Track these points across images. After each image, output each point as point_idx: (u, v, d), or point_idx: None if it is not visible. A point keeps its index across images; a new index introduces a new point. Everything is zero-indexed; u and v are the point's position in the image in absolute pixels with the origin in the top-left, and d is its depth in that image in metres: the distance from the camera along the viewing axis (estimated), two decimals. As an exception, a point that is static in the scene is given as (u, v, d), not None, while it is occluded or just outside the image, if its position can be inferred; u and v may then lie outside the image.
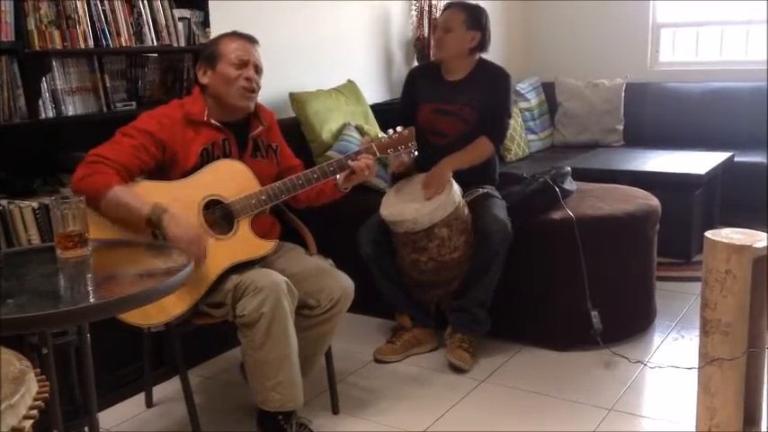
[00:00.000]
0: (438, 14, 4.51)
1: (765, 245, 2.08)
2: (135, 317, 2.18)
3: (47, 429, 1.73)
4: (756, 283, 2.11)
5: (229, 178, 2.41)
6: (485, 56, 3.24)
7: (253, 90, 2.47)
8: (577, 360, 3.02)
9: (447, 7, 3.28)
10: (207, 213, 2.38)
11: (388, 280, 3.10)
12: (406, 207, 2.92)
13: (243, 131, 2.53)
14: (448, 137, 3.10)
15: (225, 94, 2.45)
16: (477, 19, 3.14)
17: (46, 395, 1.22)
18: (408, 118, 3.18)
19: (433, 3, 4.57)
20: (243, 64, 2.45)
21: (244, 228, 2.41)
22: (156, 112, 2.45)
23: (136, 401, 2.79)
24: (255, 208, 2.42)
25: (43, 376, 1.30)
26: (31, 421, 1.15)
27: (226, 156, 2.46)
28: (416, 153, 2.70)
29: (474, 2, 3.27)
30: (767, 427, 2.39)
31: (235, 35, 2.51)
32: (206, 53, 2.50)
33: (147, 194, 2.28)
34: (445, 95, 3.14)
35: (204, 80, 2.47)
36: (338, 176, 2.54)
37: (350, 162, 2.51)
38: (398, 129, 2.62)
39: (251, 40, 2.51)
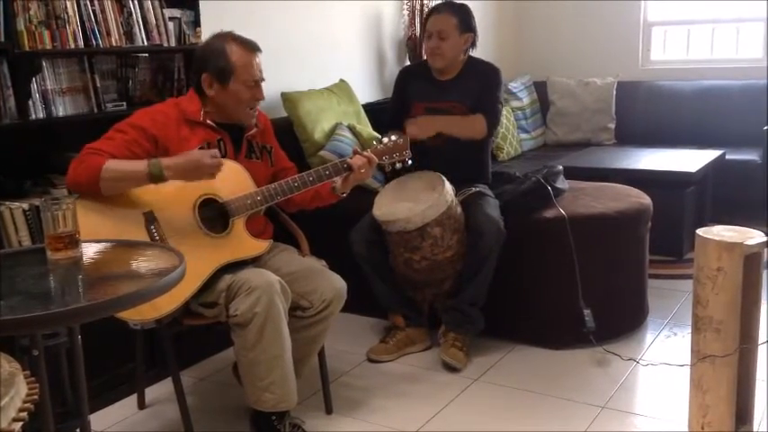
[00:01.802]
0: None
1: (756, 242, 2.09)
2: (126, 312, 2.17)
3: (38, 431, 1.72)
4: (748, 280, 2.11)
5: (225, 178, 2.41)
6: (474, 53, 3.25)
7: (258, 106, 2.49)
8: (570, 358, 3.03)
9: (435, 11, 3.19)
10: (202, 212, 2.37)
11: (381, 280, 3.09)
12: (398, 206, 2.92)
13: (238, 132, 2.53)
14: (440, 136, 3.10)
15: (233, 111, 2.45)
16: (467, 21, 3.13)
17: (36, 397, 1.22)
18: (400, 118, 3.17)
19: (425, 2, 4.57)
20: (255, 84, 2.43)
21: (238, 227, 2.41)
22: (151, 108, 2.45)
23: (128, 403, 2.78)
24: (250, 208, 2.42)
25: (33, 378, 1.29)
26: (21, 423, 1.14)
27: (221, 156, 2.45)
28: (410, 162, 2.70)
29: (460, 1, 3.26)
30: (760, 426, 2.40)
31: (244, 46, 2.42)
32: (217, 65, 2.39)
33: (142, 191, 2.30)
34: (437, 94, 3.15)
35: (210, 93, 2.42)
36: (337, 180, 2.54)
37: (348, 159, 2.51)
38: (393, 137, 2.63)
39: (258, 49, 2.45)
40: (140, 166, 2.24)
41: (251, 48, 2.44)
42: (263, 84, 2.47)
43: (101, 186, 2.23)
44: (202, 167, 2.26)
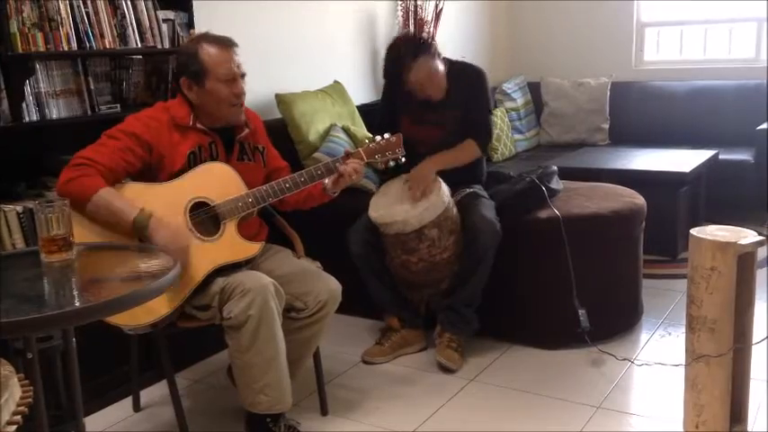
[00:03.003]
0: (422, 13, 4.53)
1: (750, 241, 2.10)
2: (121, 318, 2.17)
3: (32, 434, 1.71)
4: (741, 279, 2.12)
5: (216, 181, 2.41)
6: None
7: (242, 102, 2.47)
8: (565, 358, 3.03)
9: (412, 60, 2.99)
10: (193, 215, 2.37)
11: (377, 281, 3.09)
12: (395, 209, 2.92)
13: (229, 134, 2.52)
14: (429, 144, 3.09)
15: (216, 110, 2.43)
16: (437, 50, 3.07)
17: (30, 400, 1.21)
18: (390, 125, 3.16)
19: (419, 3, 4.58)
20: (232, 79, 2.41)
21: (230, 230, 2.40)
22: (142, 114, 2.43)
23: (123, 405, 2.78)
24: (242, 210, 2.41)
25: (27, 381, 1.29)
26: (15, 426, 1.14)
27: (213, 159, 2.45)
28: (404, 159, 2.70)
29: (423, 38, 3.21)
30: (754, 425, 2.40)
31: (216, 44, 2.40)
32: (191, 68, 2.39)
33: (133, 196, 2.28)
34: (423, 107, 3.11)
35: (191, 95, 2.41)
36: (327, 180, 2.54)
37: (338, 166, 2.51)
38: (386, 135, 2.63)
39: (231, 45, 2.43)
40: (129, 211, 2.20)
41: (223, 44, 2.41)
42: (244, 78, 2.44)
43: (86, 209, 2.21)
44: (177, 256, 2.03)
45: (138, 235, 2.23)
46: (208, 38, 2.42)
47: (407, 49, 3.03)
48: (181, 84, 2.42)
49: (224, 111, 2.43)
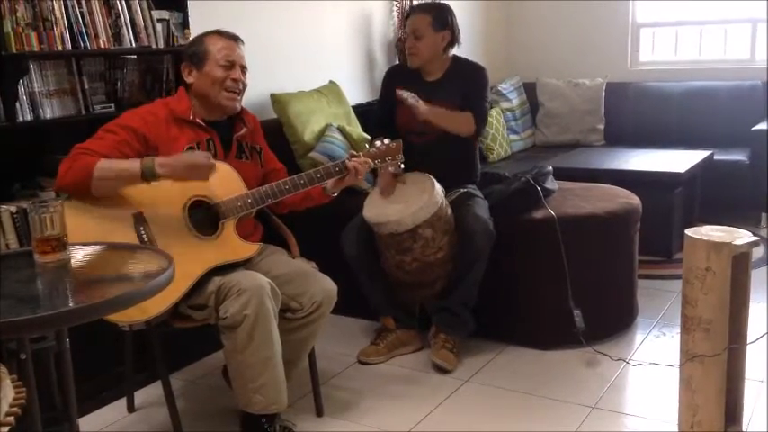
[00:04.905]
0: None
1: (745, 242, 2.10)
2: (113, 315, 2.16)
3: (26, 436, 1.71)
4: (736, 279, 2.12)
5: (216, 180, 2.41)
6: (459, 53, 3.24)
7: (240, 91, 2.49)
8: (560, 359, 3.03)
9: (411, 12, 3.24)
10: (192, 214, 2.37)
11: (372, 281, 3.09)
12: (389, 208, 2.92)
13: (227, 132, 2.53)
14: (427, 134, 3.10)
15: (211, 95, 2.45)
16: (443, 18, 3.12)
17: (23, 401, 1.21)
18: (386, 119, 3.17)
19: (414, 4, 4.57)
20: (230, 65, 2.46)
21: (229, 229, 2.41)
22: (140, 109, 2.46)
23: (117, 406, 2.77)
24: (241, 210, 2.41)
25: (20, 382, 1.28)
26: (8, 428, 1.13)
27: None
28: (403, 166, 2.70)
29: (442, 1, 3.26)
30: (749, 425, 2.41)
31: (220, 34, 2.51)
32: (191, 52, 2.50)
33: (133, 192, 2.29)
34: (423, 95, 3.13)
35: (190, 80, 2.48)
36: (328, 181, 2.54)
37: (346, 162, 2.52)
38: (386, 141, 2.64)
39: (236, 39, 2.52)
40: (133, 164, 2.25)
41: (228, 35, 2.51)
42: (245, 73, 2.51)
43: (92, 186, 2.22)
44: (198, 168, 2.31)
45: (149, 179, 2.26)
46: (217, 30, 2.53)
47: (418, 5, 3.23)
48: (182, 69, 2.50)
49: (217, 94, 2.46)
